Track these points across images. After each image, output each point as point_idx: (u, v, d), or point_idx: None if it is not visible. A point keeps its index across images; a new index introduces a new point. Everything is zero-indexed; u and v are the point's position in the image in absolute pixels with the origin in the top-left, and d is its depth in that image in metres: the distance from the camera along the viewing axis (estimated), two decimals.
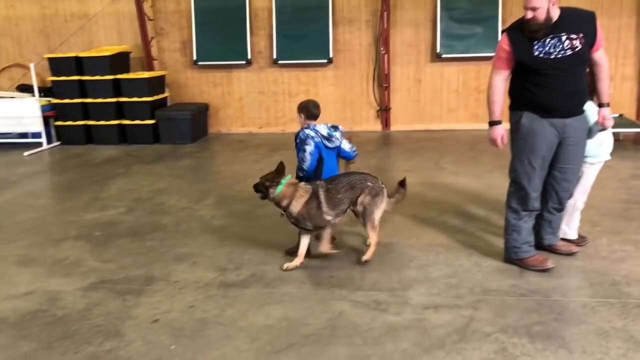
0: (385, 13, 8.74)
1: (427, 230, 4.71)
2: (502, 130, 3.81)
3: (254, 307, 3.47)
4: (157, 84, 9.05)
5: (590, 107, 3.81)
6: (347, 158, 4.39)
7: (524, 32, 3.55)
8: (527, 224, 3.88)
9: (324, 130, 4.16)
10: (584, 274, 3.77)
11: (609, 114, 3.78)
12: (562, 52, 3.51)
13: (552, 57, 3.52)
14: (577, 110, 3.68)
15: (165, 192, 6.11)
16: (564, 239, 4.15)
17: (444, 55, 8.77)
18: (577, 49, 3.52)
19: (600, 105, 3.80)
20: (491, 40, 8.53)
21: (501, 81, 3.75)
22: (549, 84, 3.56)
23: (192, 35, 9.28)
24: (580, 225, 4.25)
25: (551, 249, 4.06)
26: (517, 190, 3.82)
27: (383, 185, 4.12)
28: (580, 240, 4.21)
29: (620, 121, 7.64)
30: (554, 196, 3.87)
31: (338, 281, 3.80)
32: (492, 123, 3.81)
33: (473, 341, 3.01)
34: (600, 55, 3.69)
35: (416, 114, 9.18)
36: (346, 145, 4.32)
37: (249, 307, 3.48)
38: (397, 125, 9.23)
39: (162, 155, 7.99)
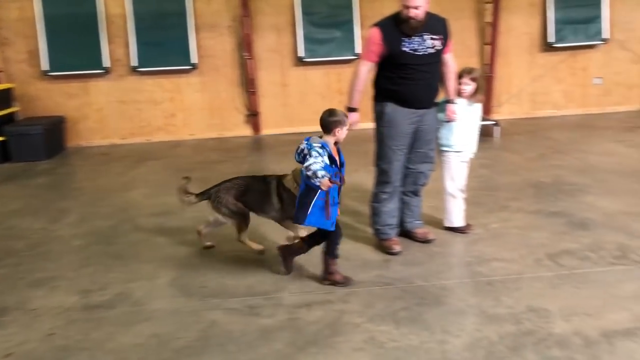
0: (245, 18, 8.76)
1: (284, 233, 4.78)
2: (358, 117, 4.06)
3: (121, 328, 3.30)
4: (3, 97, 8.30)
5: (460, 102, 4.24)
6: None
7: (399, 28, 3.87)
8: (386, 207, 4.18)
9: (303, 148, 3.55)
10: (442, 259, 4.05)
11: (455, 110, 4.20)
12: (425, 50, 3.91)
13: (417, 53, 3.90)
14: (433, 103, 4.11)
15: (17, 214, 5.61)
16: (448, 227, 4.49)
17: (306, 60, 8.98)
18: (437, 48, 3.95)
19: (448, 101, 4.19)
20: (349, 44, 8.90)
21: (366, 72, 4.01)
22: (412, 77, 3.94)
23: (39, 45, 8.63)
24: (437, 212, 4.58)
25: (410, 235, 4.34)
26: (380, 174, 4.16)
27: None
28: (466, 228, 4.48)
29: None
30: (410, 180, 4.24)
31: (211, 291, 3.74)
32: (351, 109, 4.03)
33: (344, 333, 3.11)
34: (449, 57, 4.14)
35: (285, 117, 9.30)
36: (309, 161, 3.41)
37: (116, 328, 3.31)
38: (268, 129, 9.28)
39: (13, 174, 7.33)
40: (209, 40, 8.98)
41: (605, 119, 8.95)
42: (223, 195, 4.15)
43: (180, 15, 8.71)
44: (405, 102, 3.98)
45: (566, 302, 3.32)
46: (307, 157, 3.40)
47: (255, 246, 4.23)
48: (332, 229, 3.53)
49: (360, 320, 3.24)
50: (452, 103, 4.21)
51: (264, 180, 4.17)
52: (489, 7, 9.02)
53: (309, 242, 3.78)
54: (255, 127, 9.27)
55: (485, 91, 9.25)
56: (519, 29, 9.24)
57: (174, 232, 4.84)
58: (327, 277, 3.71)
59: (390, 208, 4.20)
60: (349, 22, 8.85)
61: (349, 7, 8.83)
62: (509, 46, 9.27)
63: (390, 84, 3.98)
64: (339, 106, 9.79)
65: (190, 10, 8.74)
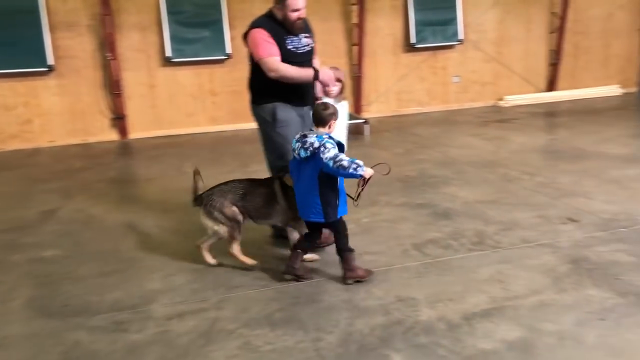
0: (106, 17, 8.28)
1: (171, 237, 4.61)
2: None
3: None
4: None
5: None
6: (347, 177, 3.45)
7: (281, 27, 3.92)
8: None
9: (295, 144, 3.54)
10: (318, 255, 4.09)
11: None
12: (303, 47, 4.04)
13: (299, 51, 4.00)
14: (312, 100, 4.15)
15: None
16: None
17: (174, 60, 8.69)
18: (311, 46, 4.10)
19: (316, 99, 4.23)
20: (219, 44, 8.74)
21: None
22: None
23: None
24: None
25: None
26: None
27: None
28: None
29: None
30: None
31: (73, 309, 3.47)
32: (317, 75, 3.95)
33: (218, 341, 3.03)
34: (315, 57, 4.27)
35: (154, 120, 8.94)
36: (328, 154, 3.36)
37: None
38: (136, 133, 8.87)
39: None
40: (66, 40, 8.39)
41: (464, 115, 9.64)
42: (217, 199, 3.80)
43: (32, 13, 8.05)
44: (293, 100, 4.04)
45: (431, 289, 3.50)
46: (320, 152, 3.36)
47: (249, 261, 3.85)
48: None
49: (234, 326, 3.17)
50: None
51: (264, 182, 3.93)
52: (355, 8, 9.33)
53: (309, 240, 3.72)
54: (122, 131, 8.82)
55: (355, 91, 9.58)
56: (383, 30, 9.66)
57: (30, 248, 4.44)
58: (350, 275, 3.57)
59: None
60: (218, 22, 8.71)
61: (216, 7, 8.69)
62: (375, 47, 9.65)
63: (277, 83, 3.94)
64: (212, 106, 9.65)
65: (42, 8, 8.09)
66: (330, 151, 3.36)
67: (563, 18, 10.12)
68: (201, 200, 3.86)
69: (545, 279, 3.55)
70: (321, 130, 3.53)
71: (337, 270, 3.73)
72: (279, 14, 3.96)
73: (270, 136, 4.11)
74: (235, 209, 3.80)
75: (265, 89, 4.04)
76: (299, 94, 4.05)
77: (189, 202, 4.00)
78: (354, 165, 3.33)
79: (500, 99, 10.27)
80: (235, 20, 8.82)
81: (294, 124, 4.05)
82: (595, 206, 4.81)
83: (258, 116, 4.15)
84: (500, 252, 4.01)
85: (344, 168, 3.33)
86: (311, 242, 3.73)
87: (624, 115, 9.12)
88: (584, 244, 4.05)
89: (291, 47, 3.97)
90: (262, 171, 6.40)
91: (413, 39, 9.65)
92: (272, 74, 3.86)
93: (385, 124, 9.09)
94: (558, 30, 10.22)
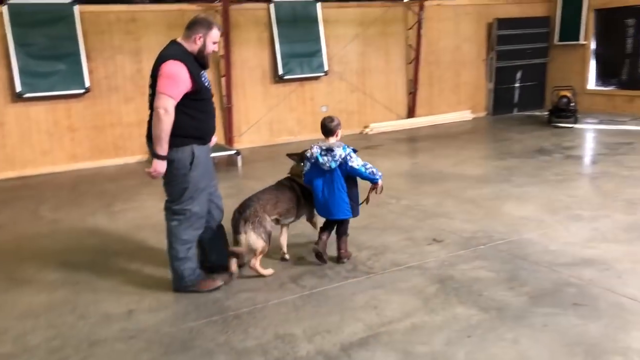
0: None
1: (24, 291, 4.16)
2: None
3: None
4: None
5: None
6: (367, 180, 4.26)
7: (196, 62, 3.75)
8: (195, 249, 4.01)
9: (316, 150, 4.19)
10: (188, 299, 3.90)
11: None
12: (209, 83, 3.90)
13: (209, 86, 3.90)
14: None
15: None
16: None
17: (26, 95, 8.02)
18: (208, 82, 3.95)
19: None
20: (77, 77, 8.24)
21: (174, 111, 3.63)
22: (209, 111, 3.91)
23: None
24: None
25: (217, 268, 4.15)
26: (191, 220, 3.87)
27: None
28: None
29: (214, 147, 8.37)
30: (215, 214, 4.15)
31: None
32: (163, 157, 3.64)
33: None
34: None
35: (4, 160, 8.14)
36: (356, 163, 4.15)
37: None
38: None
39: None
40: None
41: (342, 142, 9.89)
42: (262, 215, 4.05)
43: None
44: (206, 137, 3.90)
45: (309, 322, 3.47)
46: (349, 160, 4.11)
47: (268, 272, 4.17)
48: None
49: None
50: None
51: (285, 186, 4.37)
52: (221, 40, 9.26)
53: (328, 230, 4.34)
54: None
55: (225, 122, 9.48)
56: (250, 61, 9.70)
57: None
58: (343, 255, 4.34)
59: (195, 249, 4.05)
60: (75, 54, 8.19)
61: (72, 39, 8.17)
62: (244, 78, 9.66)
63: (193, 121, 3.73)
64: (71, 143, 8.99)
65: None
66: (358, 159, 4.16)
67: (418, 50, 10.87)
68: (245, 218, 4.01)
69: (416, 300, 3.69)
70: (332, 139, 4.21)
71: (213, 312, 3.58)
72: (193, 47, 3.75)
73: (180, 180, 3.77)
74: (271, 222, 4.13)
75: (183, 129, 3.69)
76: (211, 131, 3.95)
77: None
78: (379, 173, 4.25)
79: (366, 127, 10.72)
80: (93, 52, 8.39)
81: (207, 163, 3.94)
82: (456, 225, 5.12)
83: (169, 160, 3.69)
84: (374, 277, 4.11)
85: (374, 174, 4.20)
86: (344, 237, 4.39)
87: (476, 139, 9.94)
88: (448, 263, 4.28)
89: (206, 83, 3.84)
90: (129, 210, 6.11)
91: (280, 71, 9.80)
92: (160, 110, 3.56)
93: (257, 155, 9.08)
94: (414, 61, 10.96)
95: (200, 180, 3.83)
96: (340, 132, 4.27)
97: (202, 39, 3.74)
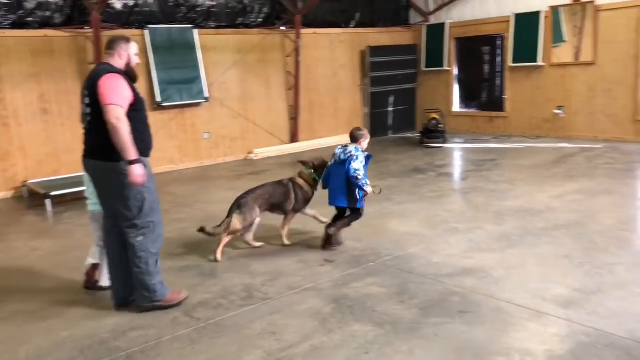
0: None
1: None
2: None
3: None
4: None
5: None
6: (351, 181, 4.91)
7: (129, 76, 3.84)
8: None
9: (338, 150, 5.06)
10: (72, 342, 3.61)
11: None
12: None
13: (143, 97, 3.93)
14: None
15: None
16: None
17: None
18: None
19: None
20: None
21: None
22: (147, 123, 3.93)
23: None
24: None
25: None
26: (156, 231, 3.93)
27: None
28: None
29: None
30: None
31: None
32: (137, 160, 3.66)
33: None
34: None
35: None
36: (355, 164, 4.87)
37: None
38: None
39: None
40: None
41: (217, 170, 9.78)
42: (252, 205, 5.04)
43: None
44: (148, 150, 3.91)
45: (206, 355, 3.36)
46: (352, 159, 4.86)
47: (219, 253, 4.97)
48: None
49: None
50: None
51: (282, 184, 5.28)
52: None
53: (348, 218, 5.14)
54: None
55: None
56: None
57: None
58: (334, 241, 5.09)
59: None
60: None
61: None
62: None
63: (138, 134, 3.73)
64: None
65: None
66: (357, 163, 4.86)
67: (296, 77, 11.12)
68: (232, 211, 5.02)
69: (314, 322, 3.71)
70: (351, 145, 4.99)
71: (100, 355, 3.35)
72: (120, 63, 3.86)
73: (136, 193, 3.78)
74: (256, 212, 5.06)
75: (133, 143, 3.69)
76: (151, 142, 3.98)
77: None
78: (363, 182, 4.85)
79: (250, 153, 10.72)
80: None
81: (152, 176, 3.92)
82: (346, 245, 5.25)
83: (117, 174, 3.70)
84: (270, 303, 4.08)
85: (357, 179, 4.83)
86: (353, 219, 5.14)
87: None
88: (342, 282, 4.37)
89: (139, 93, 3.86)
90: None
91: (158, 98, 9.52)
92: (114, 121, 3.56)
93: None
94: (294, 87, 11.19)
95: (154, 190, 3.92)
96: (364, 142, 5.09)
97: (126, 53, 3.87)
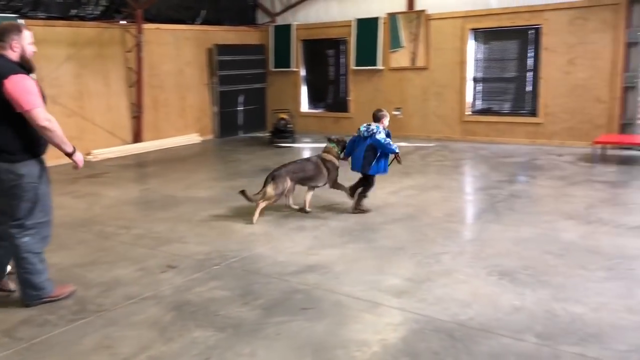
0: None
1: None
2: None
3: None
4: None
5: None
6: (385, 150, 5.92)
7: (25, 68, 3.66)
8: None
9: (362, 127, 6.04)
10: None
11: None
12: None
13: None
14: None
15: None
16: None
17: None
18: None
19: None
20: None
21: None
22: None
23: None
24: None
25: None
26: (42, 231, 3.88)
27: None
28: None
29: None
30: None
31: None
32: (74, 150, 3.89)
33: None
34: None
35: None
36: (380, 136, 5.86)
37: None
38: None
39: None
40: None
41: (51, 173, 8.94)
42: (284, 177, 5.86)
43: None
44: (44, 150, 3.83)
45: None
46: (376, 134, 5.81)
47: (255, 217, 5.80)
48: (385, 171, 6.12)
49: None
50: None
51: (311, 160, 6.16)
52: None
53: (363, 188, 6.10)
54: None
55: None
56: None
57: None
58: (358, 208, 6.05)
59: None
60: None
61: None
62: None
63: (35, 135, 3.66)
64: None
65: None
66: (381, 135, 5.84)
67: (139, 73, 10.58)
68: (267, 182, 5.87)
69: (152, 332, 3.55)
70: (374, 124, 5.94)
71: None
72: (13, 55, 3.64)
73: (31, 195, 3.74)
74: (288, 183, 5.90)
75: (28, 144, 3.69)
76: (45, 146, 3.83)
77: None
78: (394, 146, 5.89)
79: (89, 154, 9.99)
80: None
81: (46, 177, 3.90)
82: (191, 249, 5.11)
83: (17, 175, 3.66)
84: (105, 315, 3.82)
85: (389, 145, 5.85)
86: (367, 189, 6.12)
87: (205, 161, 10.12)
88: (184, 288, 4.23)
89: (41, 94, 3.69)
90: None
91: None
92: (46, 123, 3.56)
93: None
94: (136, 84, 10.64)
95: (47, 192, 3.89)
96: (385, 120, 6.05)
97: (18, 44, 3.65)
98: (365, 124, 6.02)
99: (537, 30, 10.02)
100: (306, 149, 10.84)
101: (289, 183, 5.90)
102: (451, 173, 8.15)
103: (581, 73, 9.63)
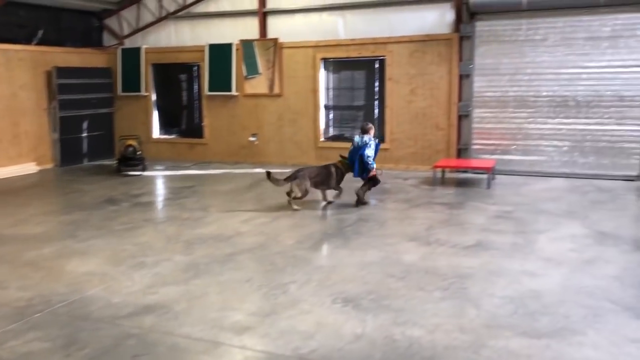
0: None
1: None
2: None
3: None
4: None
5: None
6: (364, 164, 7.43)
7: None
8: None
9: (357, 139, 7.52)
10: None
11: None
12: None
13: None
14: None
15: None
16: None
17: None
18: None
19: None
20: None
21: None
22: None
23: None
24: None
25: None
26: None
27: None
28: None
29: None
30: None
31: None
32: None
33: None
34: None
35: None
36: (366, 152, 7.37)
37: None
38: None
39: None
40: None
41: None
42: (304, 178, 7.38)
43: None
44: None
45: None
46: (368, 146, 7.31)
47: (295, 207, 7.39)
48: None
49: None
50: None
51: (326, 167, 7.66)
52: None
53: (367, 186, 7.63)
54: None
55: None
56: None
57: None
58: (362, 201, 7.54)
59: None
60: None
61: None
62: None
63: None
64: None
65: None
66: (370, 150, 7.30)
67: None
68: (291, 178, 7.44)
69: None
70: (366, 135, 7.40)
71: None
72: None
73: None
74: (309, 183, 7.41)
75: None
76: None
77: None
78: (372, 165, 7.35)
79: None
80: None
81: None
82: (10, 295, 4.51)
83: None
84: None
85: (368, 164, 7.30)
86: (368, 186, 7.61)
87: (40, 193, 9.20)
88: None
89: None
90: None
91: None
92: None
93: None
94: None
95: None
96: (372, 132, 7.47)
97: None
98: (357, 136, 7.49)
99: (382, 62, 10.56)
100: (156, 177, 10.33)
101: (308, 183, 7.36)
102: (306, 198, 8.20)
103: (422, 102, 10.29)
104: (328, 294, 4.49)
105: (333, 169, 7.61)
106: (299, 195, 7.37)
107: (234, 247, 5.77)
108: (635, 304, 4.24)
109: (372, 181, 7.58)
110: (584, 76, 9.34)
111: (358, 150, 7.36)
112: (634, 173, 9.22)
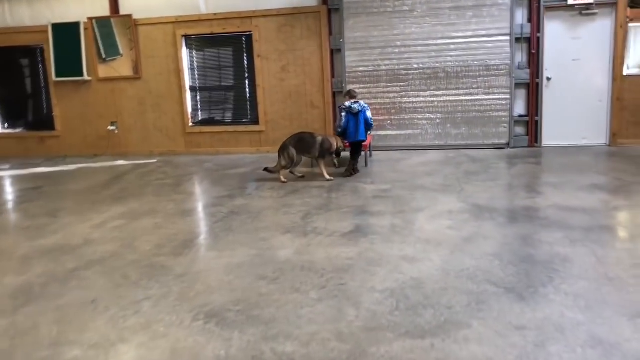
0: None
1: None
2: None
3: None
4: None
5: None
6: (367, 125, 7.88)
7: None
8: None
9: (349, 104, 7.78)
10: None
11: None
12: None
13: None
14: None
15: None
16: None
17: None
18: None
19: None
20: None
21: None
22: None
23: None
24: None
25: None
26: None
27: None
28: None
29: None
30: None
31: None
32: None
33: None
34: None
35: None
36: (368, 115, 7.84)
37: None
38: None
39: None
40: None
41: None
42: (290, 148, 7.50)
43: None
44: None
45: None
46: (366, 110, 7.87)
47: (283, 179, 7.63)
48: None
49: None
50: None
51: (312, 135, 7.69)
52: None
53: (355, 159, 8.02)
54: None
55: None
56: None
57: None
58: (353, 172, 7.89)
59: None
60: None
61: None
62: None
63: None
64: None
65: None
66: (369, 112, 7.86)
67: None
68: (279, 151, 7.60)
69: None
70: (361, 101, 7.90)
71: None
72: None
73: None
74: (294, 151, 7.55)
75: None
76: None
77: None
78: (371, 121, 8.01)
79: None
80: None
81: None
82: None
83: None
84: None
85: (372, 125, 8.03)
86: (356, 157, 8.01)
87: None
88: None
89: None
90: None
91: None
92: None
93: None
94: None
95: None
96: (356, 96, 7.98)
97: None
98: (349, 102, 7.71)
99: (250, 38, 9.89)
100: (4, 177, 8.95)
101: (293, 152, 7.45)
102: (170, 193, 7.41)
103: (294, 79, 9.79)
104: (189, 310, 3.85)
105: (320, 138, 7.61)
106: (283, 163, 7.49)
107: (80, 260, 4.92)
108: (515, 283, 4.05)
109: (359, 151, 7.97)
110: (452, 47, 9.34)
111: (355, 116, 7.70)
112: (504, 141, 9.43)
